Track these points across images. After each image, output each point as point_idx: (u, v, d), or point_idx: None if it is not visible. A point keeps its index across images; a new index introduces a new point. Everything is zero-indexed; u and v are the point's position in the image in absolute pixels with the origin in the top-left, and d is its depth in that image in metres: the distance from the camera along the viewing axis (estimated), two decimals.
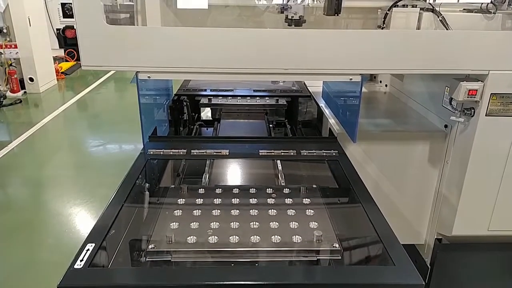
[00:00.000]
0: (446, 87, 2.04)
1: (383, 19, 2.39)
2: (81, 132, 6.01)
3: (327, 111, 2.41)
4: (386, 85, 2.93)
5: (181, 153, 1.76)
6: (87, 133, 6.00)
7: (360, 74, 1.73)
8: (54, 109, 6.77)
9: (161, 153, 1.76)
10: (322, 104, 2.57)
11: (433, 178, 2.18)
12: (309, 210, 1.44)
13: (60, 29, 9.61)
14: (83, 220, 3.61)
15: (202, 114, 3.43)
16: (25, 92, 7.58)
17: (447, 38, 1.74)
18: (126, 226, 1.38)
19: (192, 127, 2.98)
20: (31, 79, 7.58)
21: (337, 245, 1.26)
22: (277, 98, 2.86)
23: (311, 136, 2.32)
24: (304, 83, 3.13)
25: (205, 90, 2.81)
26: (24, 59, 7.35)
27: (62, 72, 8.79)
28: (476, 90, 1.78)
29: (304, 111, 3.03)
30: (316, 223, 1.36)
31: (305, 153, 1.78)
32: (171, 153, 1.75)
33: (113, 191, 1.46)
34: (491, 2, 2.15)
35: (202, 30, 1.70)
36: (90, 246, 1.12)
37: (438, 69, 1.77)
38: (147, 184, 1.60)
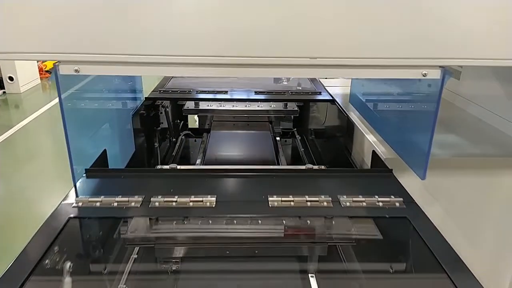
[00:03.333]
0: None
1: None
2: (63, 135, 5.34)
3: (359, 122, 1.69)
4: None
5: (134, 204, 1.03)
6: None
7: (440, 66, 1.01)
8: (35, 110, 6.17)
9: (98, 203, 1.02)
10: (351, 111, 1.85)
11: None
12: None
13: None
14: None
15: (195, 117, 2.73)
16: (4, 92, 7.02)
17: None
18: None
19: (174, 139, 2.28)
20: (11, 78, 7.03)
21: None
22: (286, 102, 2.15)
23: (350, 169, 1.48)
24: (318, 79, 2.42)
25: (190, 91, 2.09)
26: None
27: (46, 71, 8.12)
28: None
29: (321, 118, 2.32)
30: None
31: (347, 203, 1.03)
32: (115, 203, 1.04)
33: None
34: None
35: None
36: None
37: None
38: (68, 264, 0.88)
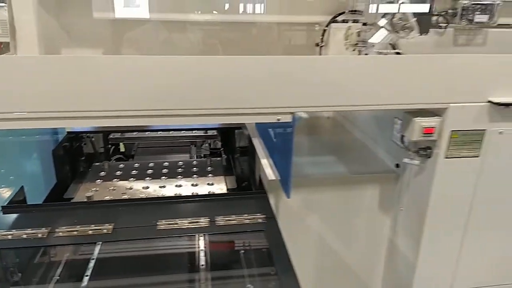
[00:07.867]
0: (396, 119, 1.70)
1: (321, 36, 2.03)
2: None
3: (260, 147, 1.98)
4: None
5: (40, 235, 1.23)
6: None
7: (290, 112, 1.31)
8: None
9: (9, 236, 1.22)
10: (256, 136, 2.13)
11: (385, 228, 1.82)
12: None
13: None
14: None
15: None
16: None
17: (395, 64, 1.38)
18: None
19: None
20: None
21: None
22: (205, 129, 2.41)
23: (230, 193, 1.76)
24: None
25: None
26: None
27: None
28: (434, 127, 1.43)
29: (240, 139, 2.59)
30: None
31: (221, 222, 1.33)
32: (25, 235, 1.22)
33: None
34: (441, 15, 1.86)
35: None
36: None
37: (384, 104, 1.39)
38: None
